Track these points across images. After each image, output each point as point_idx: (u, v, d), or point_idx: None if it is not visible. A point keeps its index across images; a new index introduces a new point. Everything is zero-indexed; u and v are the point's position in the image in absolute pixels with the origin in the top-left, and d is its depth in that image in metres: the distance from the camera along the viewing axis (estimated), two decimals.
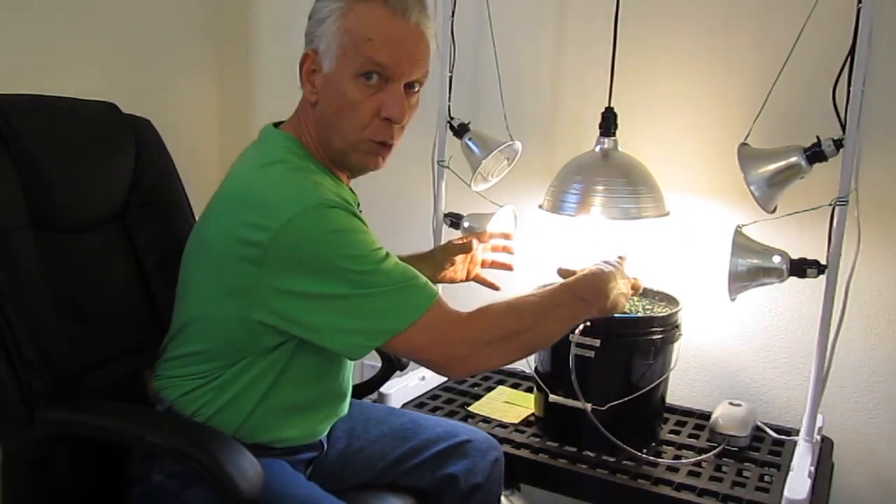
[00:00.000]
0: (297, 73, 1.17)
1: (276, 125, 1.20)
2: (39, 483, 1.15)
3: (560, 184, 1.52)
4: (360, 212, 1.24)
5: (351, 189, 1.24)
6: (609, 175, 1.48)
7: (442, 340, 1.08)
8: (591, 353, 1.42)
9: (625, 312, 1.30)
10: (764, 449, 1.50)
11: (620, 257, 1.31)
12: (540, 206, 1.56)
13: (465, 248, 1.50)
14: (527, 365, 1.60)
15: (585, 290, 1.21)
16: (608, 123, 1.52)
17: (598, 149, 1.54)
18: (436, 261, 1.49)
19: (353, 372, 1.31)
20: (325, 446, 1.28)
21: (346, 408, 1.29)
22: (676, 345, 1.49)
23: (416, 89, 1.16)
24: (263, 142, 1.18)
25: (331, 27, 1.10)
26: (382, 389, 1.58)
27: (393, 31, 1.10)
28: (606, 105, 1.53)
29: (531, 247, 1.83)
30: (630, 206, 1.46)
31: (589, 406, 1.42)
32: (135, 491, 1.16)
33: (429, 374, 1.75)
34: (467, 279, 1.53)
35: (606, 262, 1.28)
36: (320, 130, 1.16)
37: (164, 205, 1.41)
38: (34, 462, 1.14)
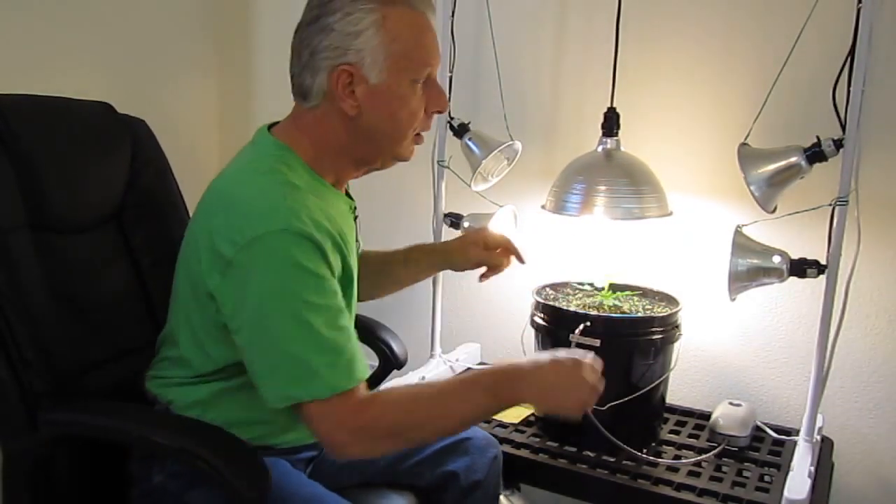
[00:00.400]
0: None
1: (272, 125, 1.19)
2: (40, 484, 1.14)
3: (563, 184, 1.52)
4: (356, 217, 1.23)
5: (349, 194, 1.24)
6: (612, 175, 1.48)
7: (332, 423, 1.03)
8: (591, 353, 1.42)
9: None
10: (764, 449, 1.50)
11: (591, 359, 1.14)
12: (542, 207, 1.56)
13: (494, 265, 1.44)
14: None
15: (496, 384, 1.08)
16: (610, 123, 1.52)
17: (600, 149, 1.54)
18: (451, 259, 1.45)
19: None
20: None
21: None
22: (676, 345, 1.49)
23: None
24: (256, 146, 1.17)
25: (372, 40, 1.08)
26: (381, 388, 1.58)
27: (432, 33, 1.13)
28: (608, 105, 1.53)
29: (531, 247, 1.83)
30: (633, 206, 1.46)
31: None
32: (135, 492, 1.16)
33: (429, 373, 1.75)
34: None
35: (562, 356, 1.12)
36: (356, 140, 1.13)
37: (159, 205, 1.41)
38: (35, 463, 1.14)
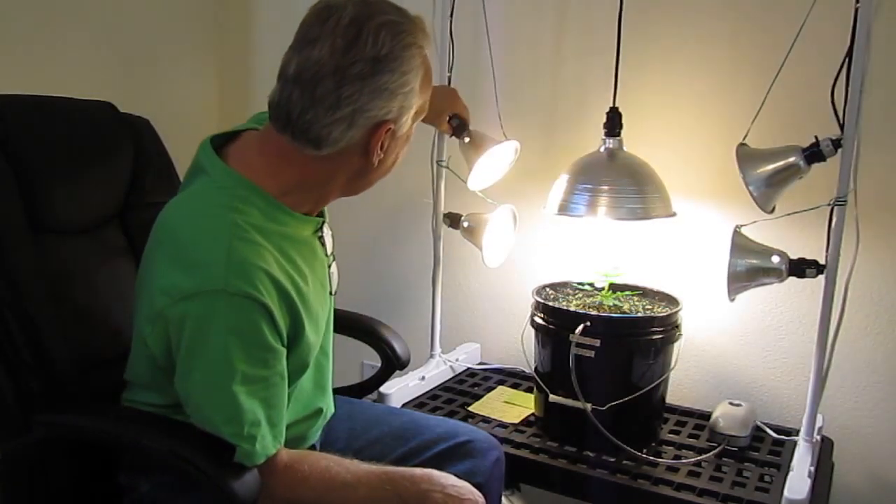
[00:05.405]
0: None
1: (216, 140, 1.11)
2: (38, 486, 1.14)
3: (565, 184, 1.51)
4: (320, 235, 1.18)
5: (322, 212, 1.20)
6: (615, 175, 1.47)
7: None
8: (591, 353, 1.42)
9: None
10: (764, 449, 1.50)
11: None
12: (544, 208, 1.55)
13: None
14: (527, 365, 1.60)
15: (406, 487, 1.10)
16: (613, 123, 1.51)
17: (602, 149, 1.53)
18: None
19: (353, 372, 1.30)
20: (318, 449, 1.27)
21: (330, 407, 1.28)
22: (676, 345, 1.49)
23: None
24: (209, 176, 1.08)
25: (413, 96, 1.05)
26: (382, 389, 1.58)
27: None
28: (608, 105, 1.52)
29: (530, 247, 1.83)
30: (637, 207, 1.45)
31: (589, 406, 1.42)
32: (125, 502, 1.16)
33: (429, 373, 1.75)
34: None
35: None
36: (356, 181, 1.11)
37: (163, 205, 1.40)
38: (32, 465, 1.14)
